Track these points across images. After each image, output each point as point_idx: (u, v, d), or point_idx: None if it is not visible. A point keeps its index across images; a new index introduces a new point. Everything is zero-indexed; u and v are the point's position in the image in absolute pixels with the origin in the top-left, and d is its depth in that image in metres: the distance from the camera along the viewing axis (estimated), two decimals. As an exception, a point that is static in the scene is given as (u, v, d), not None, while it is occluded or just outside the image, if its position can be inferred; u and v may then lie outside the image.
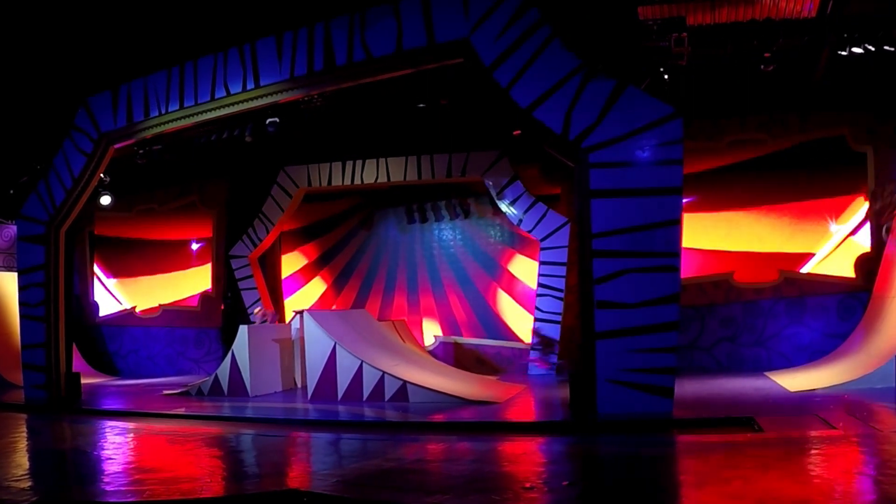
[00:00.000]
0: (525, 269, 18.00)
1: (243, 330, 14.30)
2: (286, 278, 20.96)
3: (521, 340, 17.74)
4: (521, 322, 17.86)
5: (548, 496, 6.10)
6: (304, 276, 20.84)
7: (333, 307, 20.06)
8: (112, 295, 22.39)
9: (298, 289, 20.79)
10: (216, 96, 13.31)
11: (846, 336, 14.10)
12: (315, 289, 20.54)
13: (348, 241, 20.22)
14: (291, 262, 21.04)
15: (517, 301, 18.08)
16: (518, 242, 18.19)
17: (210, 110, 13.61)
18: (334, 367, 12.93)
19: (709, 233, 15.94)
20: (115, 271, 22.42)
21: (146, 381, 18.92)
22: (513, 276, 18.21)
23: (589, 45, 11.29)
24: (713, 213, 15.94)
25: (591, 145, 10.13)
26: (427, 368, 14.39)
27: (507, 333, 18.12)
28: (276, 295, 20.44)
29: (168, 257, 21.73)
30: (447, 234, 19.08)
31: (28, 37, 14.58)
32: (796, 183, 15.49)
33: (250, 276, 19.64)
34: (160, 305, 21.54)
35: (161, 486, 6.86)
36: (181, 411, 12.55)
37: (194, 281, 21.23)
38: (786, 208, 15.54)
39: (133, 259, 22.16)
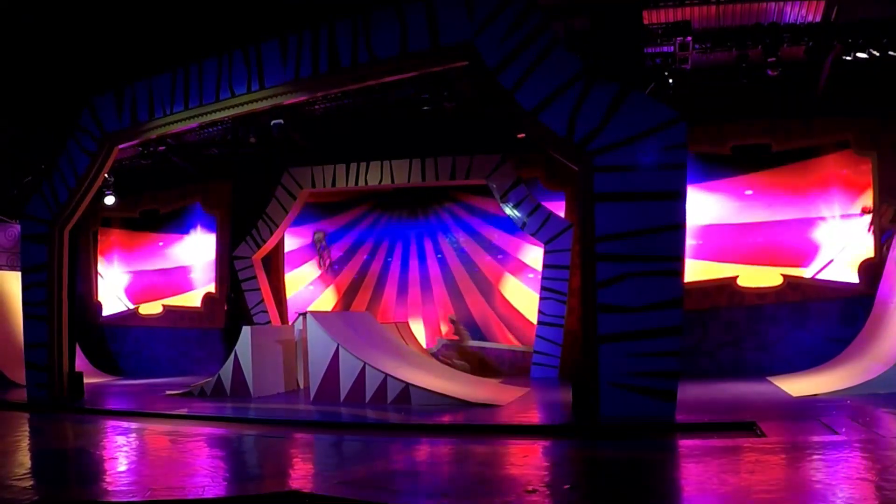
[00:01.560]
0: (527, 273, 18.00)
1: (246, 331, 14.29)
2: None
3: (523, 343, 17.73)
4: (523, 325, 17.85)
5: (549, 499, 6.10)
6: (317, 286, 20.76)
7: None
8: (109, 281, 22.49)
9: (312, 301, 20.74)
10: (221, 97, 13.30)
11: (849, 341, 14.08)
12: (328, 299, 20.50)
13: (359, 246, 20.16)
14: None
15: (520, 304, 18.07)
16: (521, 246, 18.19)
17: (215, 111, 13.62)
18: (337, 369, 12.92)
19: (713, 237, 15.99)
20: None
21: (149, 381, 18.93)
22: (515, 279, 18.21)
23: (594, 48, 11.31)
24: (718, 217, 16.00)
25: (595, 149, 10.12)
26: (429, 371, 14.39)
27: (509, 336, 18.11)
28: (279, 296, 20.45)
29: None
30: (451, 236, 19.06)
31: (34, 37, 14.63)
32: (800, 188, 15.50)
33: (253, 277, 19.63)
34: (162, 305, 21.60)
35: (163, 487, 6.86)
36: (184, 412, 12.54)
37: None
38: (789, 213, 15.54)
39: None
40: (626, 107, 10.03)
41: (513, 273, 18.37)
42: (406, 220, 19.67)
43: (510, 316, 18.26)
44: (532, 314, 17.65)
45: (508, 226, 18.30)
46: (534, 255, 17.97)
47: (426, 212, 19.42)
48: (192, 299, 21.36)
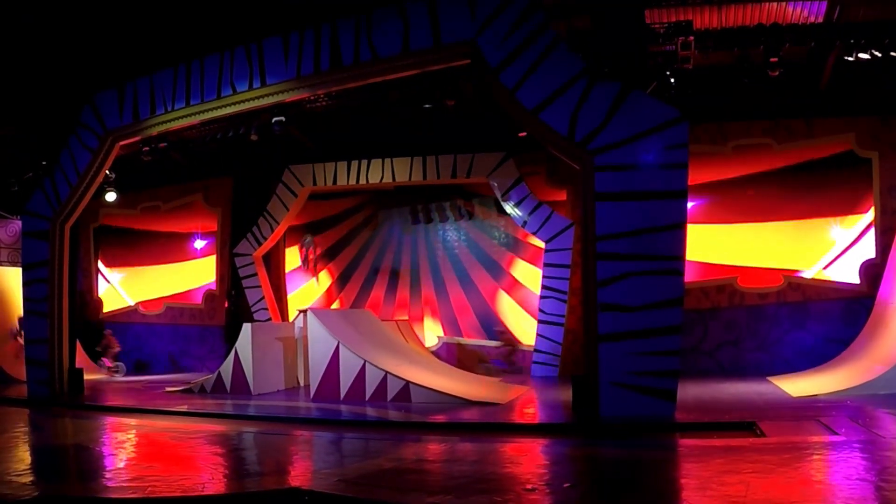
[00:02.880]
0: (528, 271, 17.98)
1: (247, 328, 14.31)
2: (290, 272, 20.97)
3: (523, 342, 17.73)
4: (524, 324, 17.85)
5: (549, 498, 6.10)
6: (307, 278, 20.84)
7: (336, 302, 20.08)
8: (110, 282, 22.50)
9: (303, 283, 20.82)
10: (222, 94, 13.33)
11: (849, 342, 14.06)
12: (320, 283, 20.54)
13: (353, 237, 20.20)
14: (296, 256, 21.05)
15: (520, 303, 18.06)
16: (521, 245, 18.17)
17: (216, 108, 13.63)
18: (337, 367, 12.93)
19: (714, 237, 15.96)
20: (120, 263, 22.59)
21: (149, 377, 18.94)
22: (516, 278, 18.19)
23: (595, 48, 11.30)
24: (718, 217, 15.98)
25: (596, 148, 10.12)
26: (430, 369, 14.39)
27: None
28: (279, 294, 20.48)
29: (172, 250, 21.91)
30: (451, 234, 19.06)
31: (36, 34, 14.63)
32: (801, 188, 15.48)
33: (254, 275, 19.67)
34: (163, 302, 21.59)
35: (162, 483, 6.87)
36: (184, 408, 12.57)
37: (198, 274, 21.39)
38: (791, 213, 15.52)
39: (137, 251, 22.37)
40: (627, 106, 10.03)
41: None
42: (404, 217, 19.65)
43: (516, 310, 18.25)
44: (525, 317, 17.77)
45: (503, 238, 18.41)
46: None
47: (426, 209, 19.38)
48: (193, 296, 21.35)
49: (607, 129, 10.08)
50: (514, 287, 18.18)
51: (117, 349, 19.99)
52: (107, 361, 19.52)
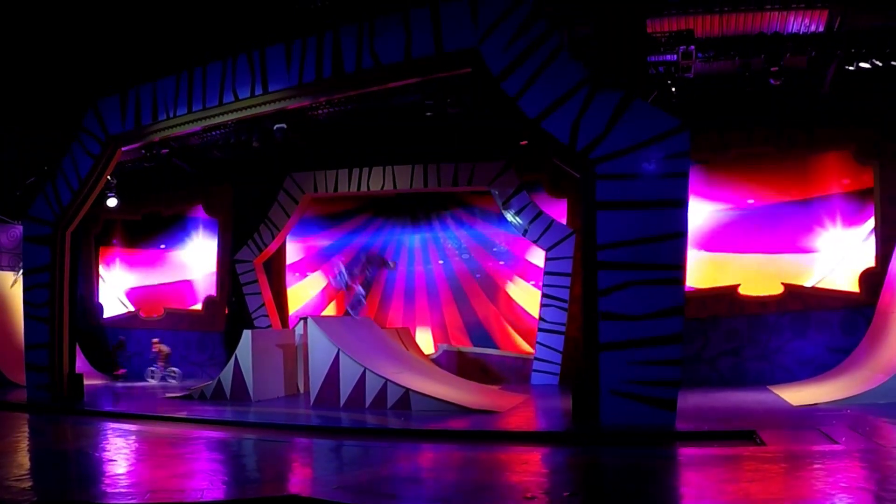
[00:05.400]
0: (529, 279, 17.98)
1: (247, 335, 14.29)
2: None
3: (524, 350, 17.72)
4: (524, 332, 17.84)
5: (548, 506, 6.09)
6: (306, 268, 20.84)
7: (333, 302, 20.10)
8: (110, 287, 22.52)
9: (299, 280, 20.89)
10: (224, 101, 13.33)
11: (849, 351, 14.08)
12: (315, 283, 20.54)
13: (351, 240, 20.19)
14: (291, 254, 21.13)
15: (520, 310, 18.06)
16: (522, 253, 18.18)
17: (218, 115, 13.66)
18: (337, 374, 12.92)
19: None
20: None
21: (149, 383, 18.93)
22: (516, 287, 18.20)
23: (597, 56, 11.32)
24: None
25: (597, 157, 10.12)
26: (430, 377, 14.38)
27: (510, 343, 18.10)
28: (280, 301, 20.46)
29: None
30: (451, 242, 19.06)
31: (38, 39, 14.67)
32: (801, 196, 15.50)
33: (255, 282, 19.64)
34: (163, 307, 21.61)
35: (161, 490, 6.86)
36: (183, 415, 12.55)
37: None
38: (791, 221, 15.54)
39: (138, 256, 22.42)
40: (629, 115, 10.04)
41: (519, 275, 18.33)
42: (408, 226, 19.67)
43: (515, 319, 18.23)
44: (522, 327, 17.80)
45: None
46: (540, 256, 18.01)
47: (428, 216, 19.41)
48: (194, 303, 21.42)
49: (609, 137, 10.09)
50: (515, 293, 18.18)
51: (168, 351, 19.74)
52: (159, 368, 19.45)
